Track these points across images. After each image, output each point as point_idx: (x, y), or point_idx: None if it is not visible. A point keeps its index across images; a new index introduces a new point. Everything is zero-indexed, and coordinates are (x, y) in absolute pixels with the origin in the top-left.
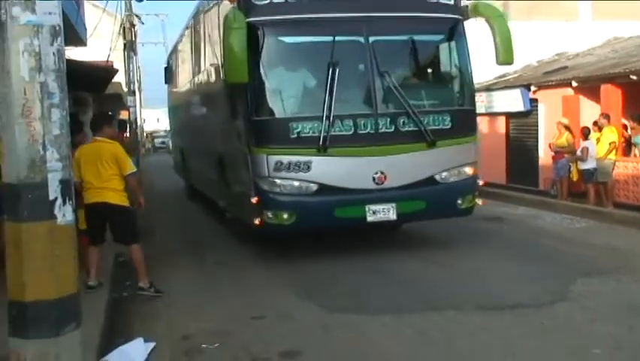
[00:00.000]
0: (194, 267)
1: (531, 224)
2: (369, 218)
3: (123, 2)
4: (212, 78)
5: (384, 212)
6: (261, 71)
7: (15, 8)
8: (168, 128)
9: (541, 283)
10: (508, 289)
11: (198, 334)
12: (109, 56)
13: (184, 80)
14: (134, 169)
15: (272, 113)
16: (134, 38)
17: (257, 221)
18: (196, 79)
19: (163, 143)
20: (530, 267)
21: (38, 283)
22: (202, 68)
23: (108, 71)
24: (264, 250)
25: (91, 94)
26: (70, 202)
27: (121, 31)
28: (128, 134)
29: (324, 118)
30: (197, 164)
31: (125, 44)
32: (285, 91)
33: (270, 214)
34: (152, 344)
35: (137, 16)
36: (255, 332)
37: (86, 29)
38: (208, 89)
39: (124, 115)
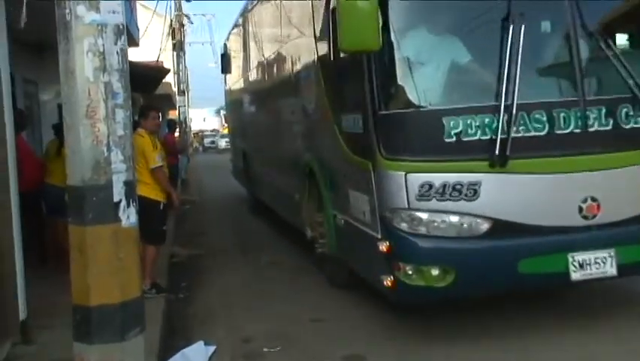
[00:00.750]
0: (249, 267)
1: None
2: (575, 275)
3: (173, 2)
4: (301, 57)
5: (598, 264)
6: (396, 37)
7: (79, 7)
8: (216, 128)
9: None
10: None
11: (258, 336)
12: (159, 56)
13: (249, 66)
14: (159, 163)
15: (413, 103)
16: (183, 38)
17: (387, 281)
18: (270, 62)
19: (212, 142)
20: None
21: (103, 288)
22: (281, 47)
23: (160, 71)
24: None
25: (141, 94)
26: (134, 204)
27: (170, 32)
28: (177, 134)
29: (502, 109)
30: (267, 174)
31: (174, 44)
32: (434, 68)
33: (410, 270)
34: (212, 348)
35: (186, 16)
36: (316, 335)
37: (138, 29)
38: (291, 73)
39: (173, 115)
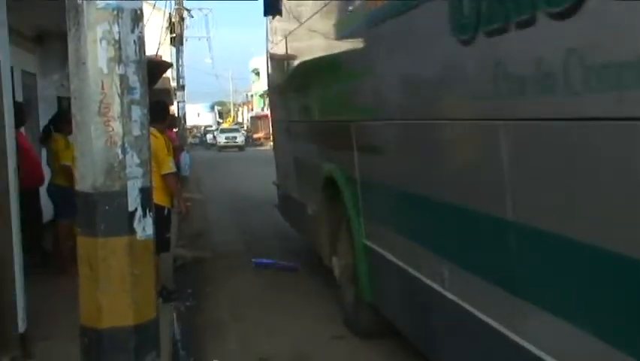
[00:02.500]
0: (258, 272)
1: None
2: None
3: None
4: None
5: None
6: None
7: None
8: (210, 124)
9: None
10: None
11: (276, 355)
12: (158, 49)
13: None
14: (173, 169)
15: None
16: (182, 32)
17: None
18: None
19: (213, 138)
20: None
21: (115, 308)
22: None
23: (162, 65)
24: None
25: None
26: (151, 214)
27: (169, 25)
28: (176, 130)
29: None
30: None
31: (172, 38)
32: None
33: None
34: None
35: (187, 9)
36: (339, 355)
37: None
38: None
39: (170, 110)
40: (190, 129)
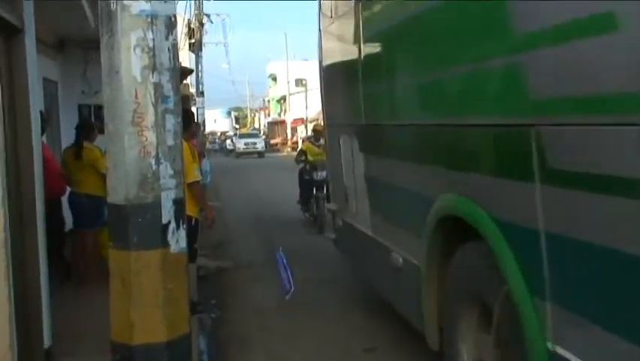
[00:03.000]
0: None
1: None
2: None
3: (193, 1)
4: None
5: None
6: None
7: None
8: (227, 130)
9: None
10: None
11: None
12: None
13: None
14: (199, 177)
15: None
16: (201, 38)
17: None
18: None
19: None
20: None
21: (148, 323)
22: None
23: (183, 72)
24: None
25: None
26: (184, 226)
27: (188, 31)
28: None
29: None
30: None
31: (191, 44)
32: None
33: None
34: None
35: (206, 15)
36: None
37: None
38: None
39: None
40: (207, 135)
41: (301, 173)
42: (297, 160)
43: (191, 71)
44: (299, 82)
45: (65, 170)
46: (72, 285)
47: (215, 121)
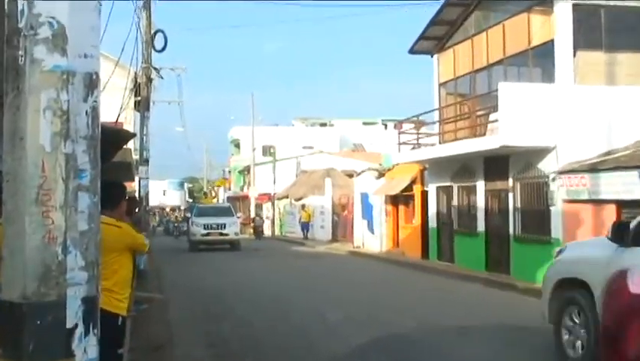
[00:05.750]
0: None
1: None
2: None
3: (140, 53)
4: None
5: None
6: None
7: (38, 48)
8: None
9: None
10: None
11: None
12: (119, 115)
13: None
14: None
15: None
16: (149, 96)
17: None
18: None
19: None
20: None
21: None
22: None
23: (122, 135)
24: None
25: None
26: (95, 331)
27: (132, 87)
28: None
29: None
30: None
31: (137, 102)
32: None
33: None
34: None
35: (155, 69)
36: None
37: None
38: None
39: (129, 187)
40: (153, 211)
41: None
42: None
43: (132, 135)
44: (266, 150)
45: None
46: None
47: (165, 193)
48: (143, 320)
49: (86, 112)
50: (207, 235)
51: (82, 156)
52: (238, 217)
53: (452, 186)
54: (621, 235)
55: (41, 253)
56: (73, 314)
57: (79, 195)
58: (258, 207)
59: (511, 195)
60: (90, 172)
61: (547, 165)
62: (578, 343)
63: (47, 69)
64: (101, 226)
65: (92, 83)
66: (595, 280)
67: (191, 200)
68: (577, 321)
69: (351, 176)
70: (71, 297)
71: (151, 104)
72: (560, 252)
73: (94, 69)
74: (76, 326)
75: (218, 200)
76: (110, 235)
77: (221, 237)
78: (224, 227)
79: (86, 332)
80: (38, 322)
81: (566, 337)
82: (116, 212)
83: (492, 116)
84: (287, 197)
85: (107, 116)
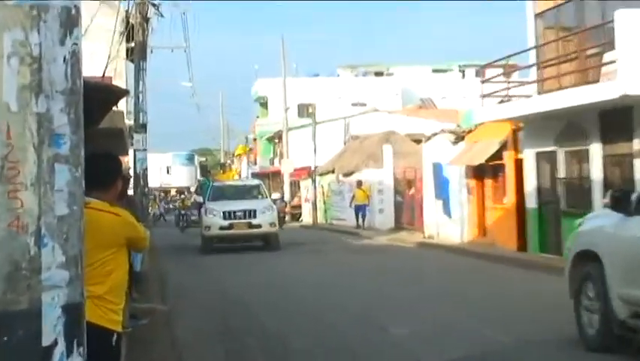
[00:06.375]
0: None
1: None
2: None
3: None
4: None
5: None
6: None
7: None
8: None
9: None
10: None
11: None
12: (106, 68)
13: None
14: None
15: None
16: (145, 41)
17: None
18: None
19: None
20: None
21: None
22: None
23: (111, 92)
24: None
25: None
26: (81, 350)
27: (122, 29)
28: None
29: None
30: None
31: (129, 50)
32: None
33: None
34: None
35: (153, 4)
36: None
37: None
38: None
39: (124, 163)
40: (153, 194)
41: None
42: None
43: (125, 93)
44: (303, 110)
45: None
46: None
47: (169, 171)
48: (141, 339)
49: (64, 58)
50: (229, 227)
51: (59, 117)
52: (275, 201)
53: (557, 152)
54: (622, 203)
55: (7, 246)
56: (51, 328)
57: (56, 168)
58: (294, 185)
59: (637, 161)
60: (70, 137)
61: None
62: (595, 318)
63: (11, 3)
64: (93, 213)
65: (70, 19)
66: (604, 251)
67: (201, 179)
68: (591, 296)
69: (418, 141)
70: (48, 304)
71: (148, 51)
72: (580, 225)
73: (72, 2)
74: (55, 343)
75: (240, 176)
76: (106, 226)
77: (251, 230)
78: (255, 215)
79: (69, 352)
80: (4, 338)
81: (584, 312)
82: (110, 194)
83: (607, 56)
84: (332, 171)
85: (90, 68)
